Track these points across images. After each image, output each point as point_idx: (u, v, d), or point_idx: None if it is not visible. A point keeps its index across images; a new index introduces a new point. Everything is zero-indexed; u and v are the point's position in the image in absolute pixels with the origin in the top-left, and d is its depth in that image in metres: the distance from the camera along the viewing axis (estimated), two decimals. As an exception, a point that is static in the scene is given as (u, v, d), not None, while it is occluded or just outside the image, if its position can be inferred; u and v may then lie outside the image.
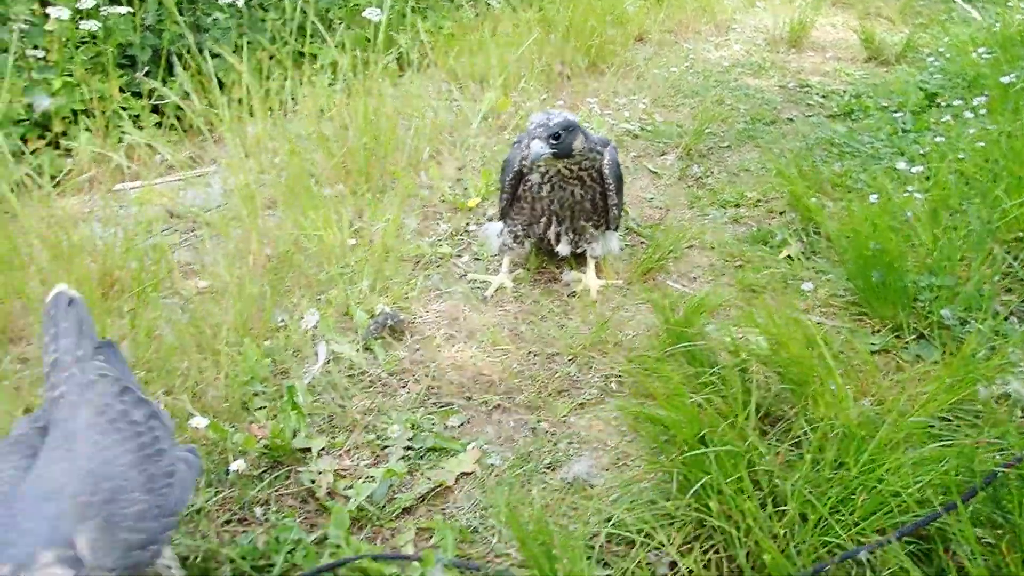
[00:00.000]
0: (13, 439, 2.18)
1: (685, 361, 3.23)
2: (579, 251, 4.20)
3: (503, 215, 4.20)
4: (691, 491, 2.50)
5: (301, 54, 6.23)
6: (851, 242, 3.99)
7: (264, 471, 3.00)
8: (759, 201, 5.14)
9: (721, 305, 3.89)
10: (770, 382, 3.15)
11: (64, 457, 2.04)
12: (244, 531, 2.76)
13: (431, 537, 2.74)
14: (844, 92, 7.28)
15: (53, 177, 4.64)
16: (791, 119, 6.74)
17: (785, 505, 2.50)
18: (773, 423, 3.02)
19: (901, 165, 5.24)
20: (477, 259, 4.45)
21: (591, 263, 4.18)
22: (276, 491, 2.93)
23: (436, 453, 3.10)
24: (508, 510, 2.48)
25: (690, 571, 2.46)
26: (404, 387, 3.47)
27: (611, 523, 2.67)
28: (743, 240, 4.66)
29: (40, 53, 5.55)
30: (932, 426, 2.70)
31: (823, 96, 7.27)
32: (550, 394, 3.44)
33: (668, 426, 2.71)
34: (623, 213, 4.37)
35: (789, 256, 4.40)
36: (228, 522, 2.80)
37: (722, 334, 3.33)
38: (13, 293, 3.73)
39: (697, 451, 2.48)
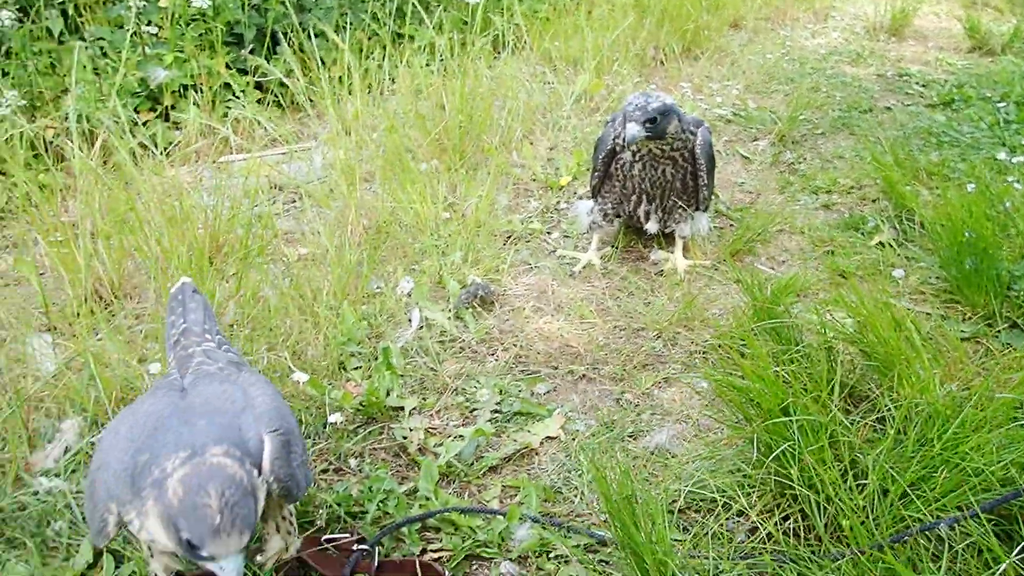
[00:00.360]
0: (168, 383, 2.37)
1: (771, 339, 3.26)
2: (668, 230, 4.25)
3: (594, 193, 4.28)
4: (772, 456, 2.53)
5: (399, 35, 6.41)
6: (946, 229, 3.95)
7: (359, 426, 3.15)
8: (852, 188, 5.10)
9: (809, 288, 3.90)
10: (855, 362, 3.16)
11: (242, 391, 2.28)
12: (339, 480, 2.92)
13: (516, 494, 2.85)
14: (945, 81, 7.11)
15: (163, 148, 4.89)
16: (889, 108, 6.63)
17: (865, 478, 2.53)
18: (856, 403, 3.04)
19: (1001, 155, 5.13)
20: (566, 236, 4.53)
21: (679, 243, 4.23)
22: (370, 445, 3.08)
23: (522, 417, 3.21)
24: (595, 468, 2.55)
25: (769, 535, 2.51)
26: (493, 355, 3.59)
27: (693, 485, 2.74)
28: (834, 226, 4.63)
29: (154, 29, 5.85)
30: (1019, 407, 2.68)
31: (923, 85, 7.12)
32: (635, 367, 3.51)
33: (752, 396, 2.75)
34: (713, 195, 4.39)
35: (880, 243, 4.37)
36: (325, 471, 2.96)
37: (809, 314, 3.35)
38: (129, 253, 3.97)
39: (780, 419, 2.52)
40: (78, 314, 3.56)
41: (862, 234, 4.50)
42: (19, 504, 2.70)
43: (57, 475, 2.81)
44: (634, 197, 4.15)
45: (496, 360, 3.55)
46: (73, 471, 2.84)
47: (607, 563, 2.55)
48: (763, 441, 2.61)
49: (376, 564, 2.50)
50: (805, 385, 2.75)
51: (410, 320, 3.70)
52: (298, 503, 2.48)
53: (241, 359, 2.61)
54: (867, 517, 2.43)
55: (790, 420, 2.50)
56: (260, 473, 2.06)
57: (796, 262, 4.29)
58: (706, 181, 4.07)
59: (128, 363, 3.24)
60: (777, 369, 2.73)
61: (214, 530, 1.85)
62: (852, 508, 2.40)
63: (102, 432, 2.28)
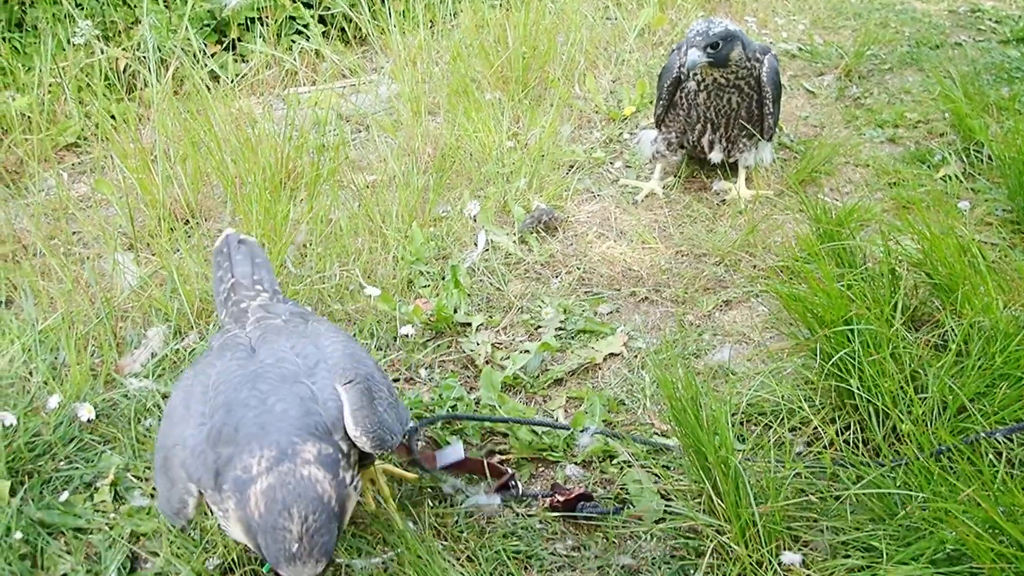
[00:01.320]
0: (233, 341, 2.29)
1: (834, 263, 3.28)
2: (732, 160, 4.26)
3: (658, 122, 4.29)
4: (833, 363, 2.58)
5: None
6: (1015, 162, 3.90)
7: (428, 340, 3.26)
8: (919, 122, 5.03)
9: (873, 217, 3.89)
10: (918, 286, 3.17)
11: (313, 344, 2.21)
12: (410, 387, 3.04)
13: (580, 405, 2.94)
14: (1019, 17, 6.91)
15: (232, 79, 5.00)
16: (959, 43, 6.47)
17: (925, 392, 2.57)
18: (918, 326, 3.06)
19: (1076, 90, 5.00)
20: (628, 166, 4.57)
21: (742, 173, 4.24)
22: (439, 357, 3.19)
23: (586, 335, 3.29)
24: (659, 371, 2.62)
25: (830, 442, 2.57)
26: (556, 276, 3.66)
27: (753, 399, 2.80)
28: (899, 159, 4.59)
29: (222, -41, 5.93)
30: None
31: (996, 21, 6.93)
32: (696, 290, 3.56)
33: (816, 309, 2.80)
34: (778, 128, 4.38)
35: (947, 176, 4.33)
36: (396, 380, 3.09)
37: (873, 239, 3.36)
38: (204, 177, 4.10)
39: (843, 329, 2.56)
40: (157, 233, 3.70)
41: (928, 167, 4.46)
42: (112, 403, 2.87)
43: (145, 377, 2.97)
44: (699, 126, 4.15)
45: (560, 282, 3.62)
46: (159, 375, 3.00)
47: (668, 467, 2.64)
48: (825, 353, 2.66)
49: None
50: (868, 304, 2.78)
51: (476, 242, 3.79)
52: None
53: (302, 308, 2.57)
54: (926, 428, 2.47)
55: (852, 330, 2.54)
56: (345, 434, 2.01)
57: (860, 194, 4.27)
58: (771, 109, 4.06)
59: (207, 278, 3.38)
60: (841, 285, 2.76)
61: (290, 557, 1.78)
62: (911, 419, 2.44)
63: (171, 396, 2.20)
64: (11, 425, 2.67)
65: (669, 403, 2.47)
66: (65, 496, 2.56)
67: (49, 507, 2.52)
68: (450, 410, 2.87)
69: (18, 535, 2.40)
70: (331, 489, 1.85)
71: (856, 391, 2.51)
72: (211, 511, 2.01)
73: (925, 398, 2.57)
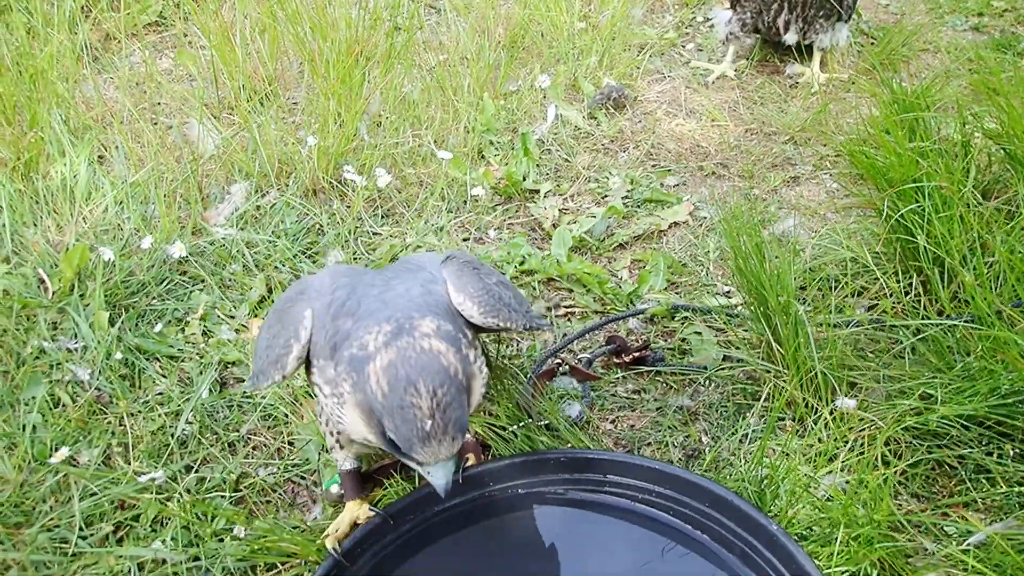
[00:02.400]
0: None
1: (907, 136, 3.26)
2: (807, 42, 4.20)
3: (733, 3, 4.24)
4: (899, 216, 2.60)
5: None
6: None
7: (497, 205, 3.35)
8: (1005, 11, 4.87)
9: (950, 99, 3.82)
10: (992, 161, 3.14)
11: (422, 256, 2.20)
12: (480, 246, 3.14)
13: (644, 267, 3.01)
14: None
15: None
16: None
17: (992, 256, 2.58)
18: (988, 196, 3.04)
19: None
20: (700, 49, 4.53)
21: (817, 55, 4.18)
22: (507, 220, 3.28)
23: (652, 204, 3.35)
24: (726, 224, 2.66)
25: (897, 302, 2.61)
26: (624, 151, 3.71)
27: (816, 264, 2.85)
28: (982, 47, 4.47)
29: None
30: None
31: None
32: (764, 167, 3.58)
33: (885, 171, 2.80)
34: (855, 13, 4.29)
35: (1032, 62, 4.21)
36: (466, 239, 3.19)
37: (948, 115, 3.32)
38: (283, 51, 4.20)
39: (912, 186, 2.58)
40: (235, 105, 3.82)
41: (1012, 54, 4.34)
42: (199, 249, 3.03)
43: (230, 227, 3.12)
44: (775, 6, 4.10)
45: (627, 155, 3.66)
46: (242, 227, 3.15)
47: (729, 321, 2.71)
48: (891, 214, 2.67)
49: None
50: (938, 168, 2.77)
51: (546, 116, 3.83)
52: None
53: None
54: (990, 289, 2.49)
55: (921, 189, 2.55)
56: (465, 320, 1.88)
57: (939, 80, 4.18)
58: (850, -12, 3.98)
59: (286, 141, 3.51)
60: (912, 147, 2.76)
61: (424, 436, 1.60)
62: (976, 279, 2.46)
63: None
64: (109, 260, 2.85)
65: (732, 252, 2.53)
66: (159, 328, 2.75)
67: (145, 336, 2.71)
68: (517, 267, 2.97)
69: (118, 355, 2.59)
70: (456, 361, 1.67)
71: (924, 247, 2.53)
72: (319, 396, 1.87)
73: (991, 262, 2.58)
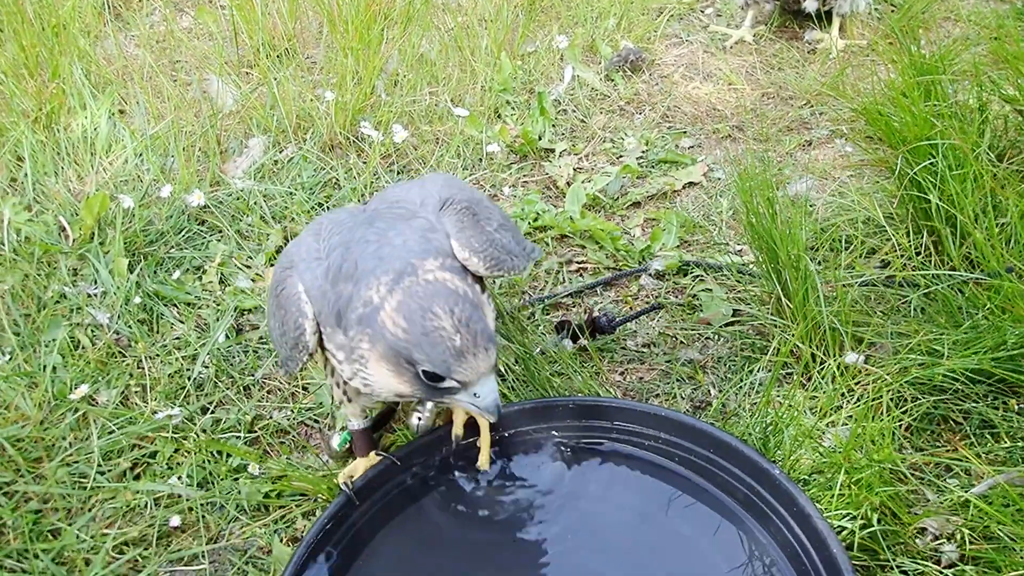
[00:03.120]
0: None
1: (923, 97, 3.25)
2: (827, 8, 4.17)
3: (752, -34, 4.22)
4: (913, 175, 2.60)
5: None
6: None
7: (512, 163, 3.37)
8: (1030, -20, 4.81)
9: (968, 66, 3.79)
10: (1009, 126, 3.13)
11: (419, 185, 2.06)
12: (495, 201, 3.16)
13: (658, 225, 3.03)
14: None
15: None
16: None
17: (1004, 216, 2.58)
18: (1003, 158, 3.03)
19: None
20: (719, 15, 4.51)
21: (836, 20, 4.15)
22: (522, 178, 3.30)
23: (666, 164, 3.36)
24: (738, 180, 2.67)
25: (909, 259, 2.62)
26: (640, 113, 3.71)
27: (832, 220, 2.86)
28: (1004, 15, 4.43)
29: None
30: None
31: None
32: (780, 130, 3.57)
33: (900, 130, 2.80)
34: (877, -23, 4.27)
35: (1054, 31, 4.17)
36: (481, 196, 3.22)
37: (967, 76, 3.30)
38: (302, 11, 4.21)
39: (925, 143, 2.58)
40: (255, 62, 3.84)
41: (1034, 23, 4.29)
42: (217, 199, 3.07)
43: (248, 179, 3.16)
44: (795, -29, 4.07)
45: (643, 117, 3.67)
46: (260, 180, 3.18)
47: (740, 279, 2.73)
48: (904, 172, 2.67)
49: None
50: (954, 129, 2.77)
51: (563, 77, 3.84)
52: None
53: None
54: (1001, 251, 2.50)
55: (935, 146, 2.55)
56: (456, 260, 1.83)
57: (959, 49, 4.15)
58: (872, -47, 3.95)
59: (304, 97, 3.53)
60: (927, 106, 2.76)
61: (458, 352, 1.59)
62: (988, 236, 2.47)
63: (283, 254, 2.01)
64: (129, 208, 2.89)
65: (744, 208, 2.54)
66: (177, 275, 2.79)
67: (163, 283, 2.75)
68: (531, 223, 2.99)
69: (137, 299, 2.64)
70: (463, 285, 1.67)
71: (937, 205, 2.53)
72: (332, 361, 1.83)
73: (1004, 223, 2.59)
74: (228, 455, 2.23)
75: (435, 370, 1.61)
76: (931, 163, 2.60)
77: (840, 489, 1.91)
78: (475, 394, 1.66)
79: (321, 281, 1.80)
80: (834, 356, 2.35)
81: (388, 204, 1.97)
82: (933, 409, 2.24)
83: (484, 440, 2.06)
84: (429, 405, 2.18)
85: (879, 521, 1.89)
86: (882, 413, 2.13)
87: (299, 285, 1.83)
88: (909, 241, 2.71)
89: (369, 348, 1.67)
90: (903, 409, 2.19)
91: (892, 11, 4.49)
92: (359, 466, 2.05)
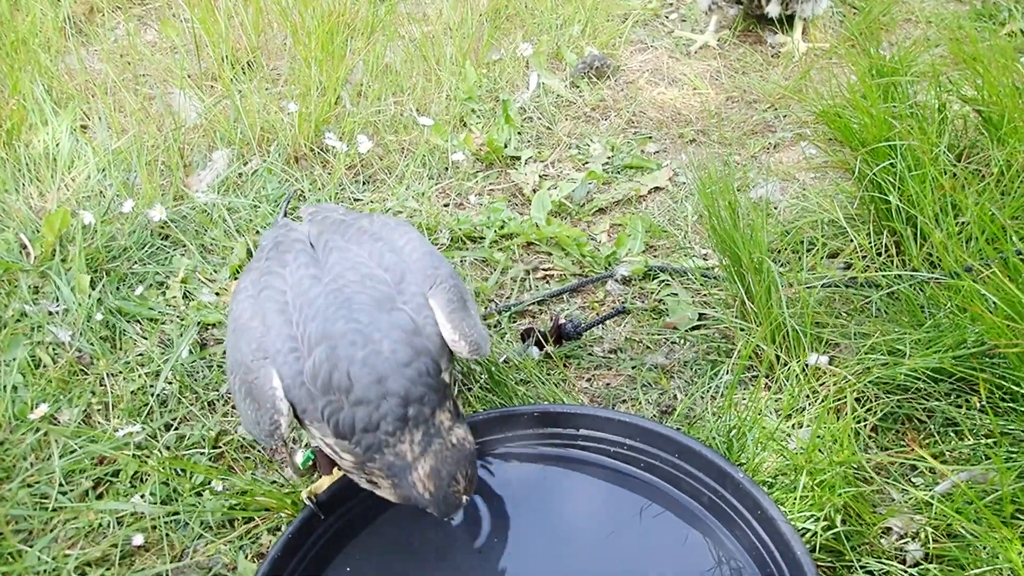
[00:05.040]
0: (293, 241, 2.05)
1: (883, 99, 3.28)
2: (789, 12, 4.20)
3: (715, -28, 4.25)
4: (873, 176, 2.62)
5: None
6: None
7: (478, 171, 3.37)
8: (989, -19, 4.88)
9: (927, 67, 3.84)
10: (968, 127, 3.17)
11: (389, 247, 2.00)
12: (461, 211, 3.16)
13: (623, 230, 3.04)
14: None
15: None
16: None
17: (964, 216, 2.61)
18: (962, 159, 3.06)
19: None
20: (684, 20, 4.54)
21: (799, 24, 4.19)
22: (488, 186, 3.30)
23: (632, 170, 3.37)
24: (700, 183, 2.68)
25: (871, 261, 2.64)
26: (606, 119, 3.72)
27: (794, 223, 2.88)
28: (963, 16, 4.48)
29: None
30: None
31: None
32: (744, 134, 3.60)
33: (859, 132, 2.83)
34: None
35: (1012, 32, 4.22)
36: (446, 205, 3.21)
37: (927, 77, 3.34)
38: (266, 23, 4.20)
39: (884, 144, 2.60)
40: (219, 75, 3.82)
41: (994, 23, 4.35)
42: (181, 214, 3.05)
43: (212, 193, 3.14)
44: (756, -25, 4.10)
45: (609, 123, 3.68)
46: (224, 193, 3.16)
47: (707, 277, 2.74)
48: (864, 173, 2.70)
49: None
50: (912, 128, 2.80)
51: (528, 84, 3.85)
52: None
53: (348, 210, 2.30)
54: (962, 249, 2.52)
55: (894, 147, 2.58)
56: (448, 354, 1.88)
57: (920, 50, 4.20)
58: (832, -44, 3.99)
59: (268, 109, 3.52)
60: (885, 107, 2.79)
61: (459, 504, 1.82)
62: (947, 236, 2.50)
63: (232, 308, 1.97)
64: (90, 224, 2.86)
65: (707, 212, 2.55)
66: (140, 291, 2.77)
67: (126, 299, 2.73)
68: (496, 231, 2.99)
69: (99, 316, 2.61)
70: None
71: (897, 206, 2.56)
72: (332, 454, 1.85)
73: (964, 223, 2.61)
74: (192, 472, 2.21)
75: (430, 511, 1.83)
76: (890, 164, 2.63)
77: (803, 491, 1.91)
78: (451, 519, 1.91)
79: (304, 381, 1.78)
80: (797, 358, 2.36)
81: (360, 275, 1.89)
82: (897, 408, 2.26)
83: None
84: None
85: (843, 522, 1.90)
86: (845, 413, 2.14)
87: (275, 380, 1.79)
88: (870, 242, 2.73)
89: (389, 488, 1.82)
90: (867, 408, 2.21)
91: (854, 14, 4.53)
92: (323, 483, 2.03)
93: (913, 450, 2.05)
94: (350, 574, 1.94)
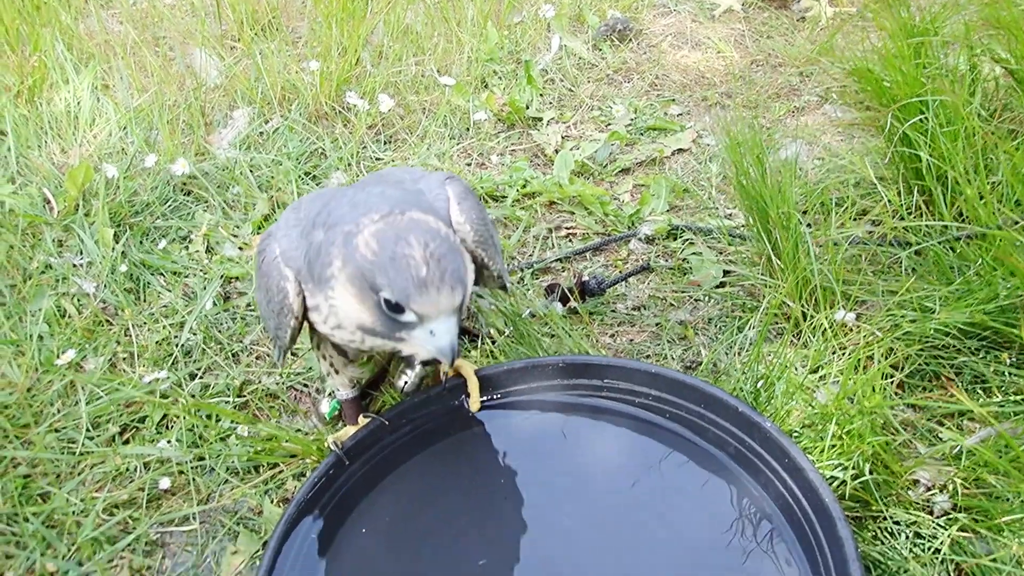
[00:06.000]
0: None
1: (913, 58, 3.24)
2: (814, -24, 4.16)
3: (739, -66, 4.19)
4: (903, 131, 2.58)
5: None
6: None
7: (499, 132, 3.35)
8: (1018, -53, 4.80)
9: (958, 31, 3.78)
10: (999, 87, 3.12)
11: (414, 171, 2.02)
12: (482, 171, 3.14)
13: (647, 190, 3.01)
14: None
15: None
16: None
17: (996, 175, 2.58)
18: (994, 117, 3.02)
19: None
20: (707, -16, 4.49)
21: (825, -12, 4.14)
22: (510, 146, 3.28)
23: (655, 131, 3.34)
24: (727, 135, 2.65)
25: (901, 220, 2.61)
26: (628, 81, 3.69)
27: (822, 183, 2.85)
28: (993, -18, 4.41)
29: None
30: None
31: None
32: (769, 97, 3.56)
33: (890, 91, 2.79)
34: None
35: (1042, -3, 4.16)
36: (468, 164, 3.20)
37: (958, 39, 3.29)
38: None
39: (915, 99, 2.56)
40: (239, 36, 3.81)
41: (1023, -12, 4.28)
42: (203, 170, 3.04)
43: (234, 150, 3.13)
44: (782, -63, 4.05)
45: (631, 85, 3.65)
46: (245, 151, 3.16)
47: (732, 236, 2.72)
48: (896, 130, 2.66)
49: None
50: (945, 87, 2.76)
51: (550, 46, 3.82)
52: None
53: None
54: (993, 209, 2.48)
55: (925, 102, 2.54)
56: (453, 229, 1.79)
57: (950, 13, 4.14)
58: (859, -81, 3.93)
59: (289, 69, 3.50)
60: (918, 63, 2.75)
61: (420, 282, 1.54)
62: (979, 192, 2.46)
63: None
64: (113, 177, 2.86)
65: (734, 167, 2.53)
66: (163, 245, 2.77)
67: (149, 252, 2.73)
68: (519, 190, 2.97)
69: (123, 268, 2.62)
70: (448, 229, 1.66)
71: (928, 161, 2.52)
72: (314, 319, 1.79)
73: (995, 182, 2.58)
74: (218, 420, 2.21)
75: (395, 298, 1.56)
76: (922, 119, 2.59)
77: (831, 440, 1.90)
78: (431, 332, 1.61)
79: (296, 241, 1.79)
80: (825, 313, 2.34)
81: (377, 176, 1.97)
82: (924, 365, 2.24)
83: (472, 384, 2.06)
84: (417, 368, 2.16)
85: (871, 472, 1.88)
86: (873, 367, 2.12)
87: (276, 249, 1.81)
88: (900, 200, 2.70)
89: (340, 267, 1.63)
90: (894, 364, 2.19)
91: (881, -21, 4.47)
92: (349, 431, 2.04)
93: (952, 395, 2.03)
94: (375, 519, 1.94)
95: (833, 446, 1.90)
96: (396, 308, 1.58)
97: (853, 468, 1.86)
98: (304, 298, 1.78)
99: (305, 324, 1.84)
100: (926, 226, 2.50)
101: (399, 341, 1.67)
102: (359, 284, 1.60)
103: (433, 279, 1.55)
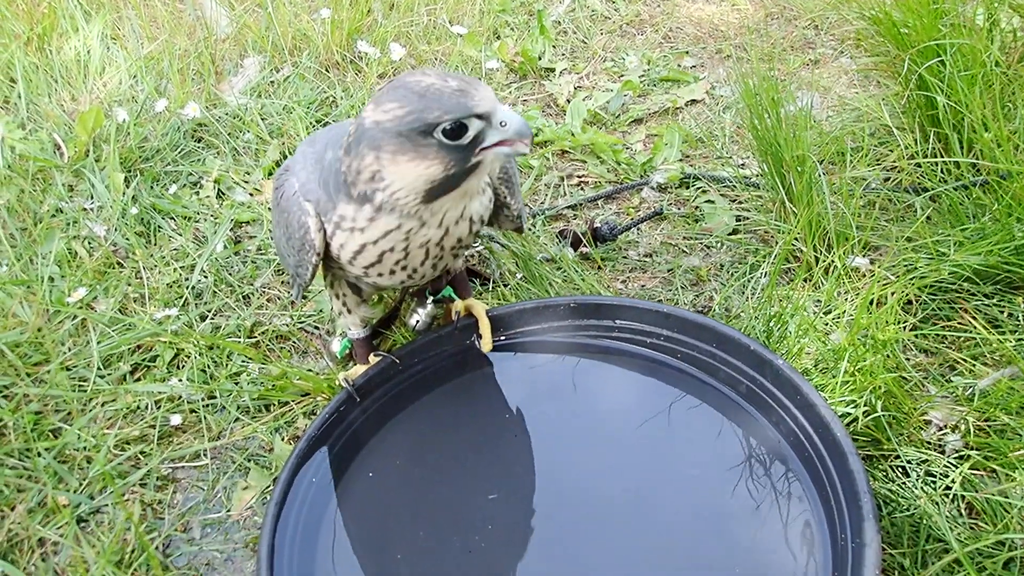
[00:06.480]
0: None
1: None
2: (831, -72, 4.09)
3: None
4: (919, 80, 2.55)
5: None
6: None
7: (512, 82, 3.32)
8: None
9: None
10: (1017, 36, 3.07)
11: None
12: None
13: (659, 139, 2.99)
14: None
15: None
16: None
17: (1013, 123, 2.54)
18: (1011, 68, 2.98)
19: None
20: (722, -62, 4.43)
21: (842, -59, 4.08)
22: (522, 96, 3.26)
23: (668, 83, 3.31)
24: (746, 88, 2.63)
25: (917, 165, 2.58)
26: (642, 34, 3.65)
27: (836, 132, 2.82)
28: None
29: None
30: None
31: None
32: (784, 50, 3.51)
33: (907, 29, 2.76)
34: None
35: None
36: (480, 114, 3.17)
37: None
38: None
39: (933, 43, 2.53)
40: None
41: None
42: (214, 117, 3.03)
43: (245, 97, 3.12)
44: None
45: (645, 37, 3.61)
46: (256, 97, 3.14)
47: (746, 184, 2.69)
48: (913, 73, 2.62)
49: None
50: (963, 34, 2.72)
51: (563, -2, 3.78)
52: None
53: None
54: (1011, 151, 2.45)
55: (943, 46, 2.50)
56: None
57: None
58: None
59: (300, 18, 3.47)
60: (936, 7, 2.71)
61: (461, 91, 1.52)
62: (995, 140, 2.43)
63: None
64: (124, 122, 2.85)
65: (749, 110, 2.50)
66: (173, 189, 2.76)
67: (160, 196, 2.73)
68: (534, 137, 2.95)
69: (134, 210, 2.61)
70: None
71: (944, 106, 2.49)
72: (342, 253, 1.75)
73: (1011, 129, 2.54)
74: (228, 359, 2.21)
75: (454, 115, 1.50)
76: (939, 63, 2.55)
77: (843, 377, 1.89)
78: (502, 123, 1.56)
79: (313, 173, 1.76)
80: (837, 253, 2.32)
81: None
82: (938, 310, 2.22)
83: (483, 325, 2.06)
84: (429, 307, 2.16)
85: (883, 409, 1.87)
86: (887, 304, 2.10)
87: (295, 184, 1.79)
88: (917, 147, 2.67)
89: (376, 156, 1.57)
90: (907, 309, 2.17)
91: (898, -67, 4.40)
92: (359, 370, 2.04)
93: (971, 323, 2.02)
94: (385, 456, 1.94)
95: (845, 383, 1.89)
96: (459, 130, 1.52)
97: (865, 405, 1.85)
98: (325, 233, 1.75)
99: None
100: (943, 168, 2.47)
101: (477, 167, 1.61)
102: (410, 144, 1.54)
103: (466, 83, 1.53)
